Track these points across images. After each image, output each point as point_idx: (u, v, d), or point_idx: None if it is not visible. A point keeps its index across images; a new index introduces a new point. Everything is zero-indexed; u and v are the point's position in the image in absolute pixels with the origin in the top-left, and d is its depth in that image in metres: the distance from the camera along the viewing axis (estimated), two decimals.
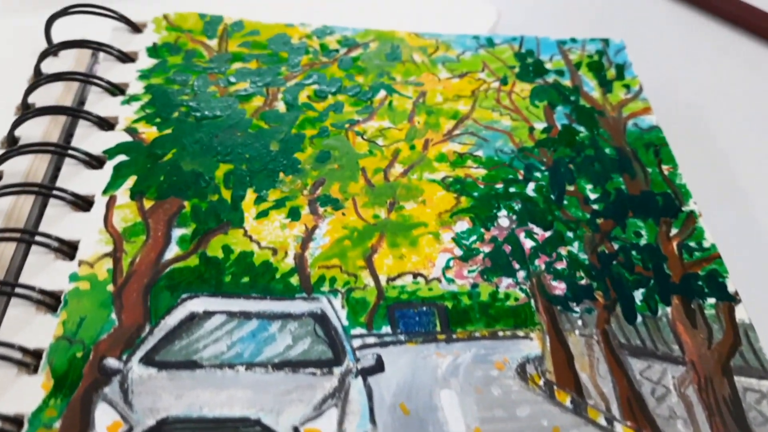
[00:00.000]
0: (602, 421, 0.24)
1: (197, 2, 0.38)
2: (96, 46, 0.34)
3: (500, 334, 0.26)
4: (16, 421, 0.22)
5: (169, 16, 0.36)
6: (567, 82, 0.37)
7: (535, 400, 0.24)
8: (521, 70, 0.37)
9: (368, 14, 0.41)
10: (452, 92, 0.36)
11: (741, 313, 0.27)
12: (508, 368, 0.25)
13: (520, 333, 0.26)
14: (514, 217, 0.30)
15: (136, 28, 0.35)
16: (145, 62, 0.34)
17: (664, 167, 0.33)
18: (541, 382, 0.25)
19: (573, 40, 0.39)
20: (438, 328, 0.26)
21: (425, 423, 0.23)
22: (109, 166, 0.29)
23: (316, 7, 0.41)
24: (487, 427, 0.23)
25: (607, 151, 0.33)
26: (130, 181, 0.29)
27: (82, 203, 0.28)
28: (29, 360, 0.24)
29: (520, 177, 0.32)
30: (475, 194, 0.31)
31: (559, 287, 0.28)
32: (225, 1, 0.38)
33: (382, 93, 0.35)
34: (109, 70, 0.33)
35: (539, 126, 0.34)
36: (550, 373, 0.25)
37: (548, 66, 0.38)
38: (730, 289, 0.28)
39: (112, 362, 0.24)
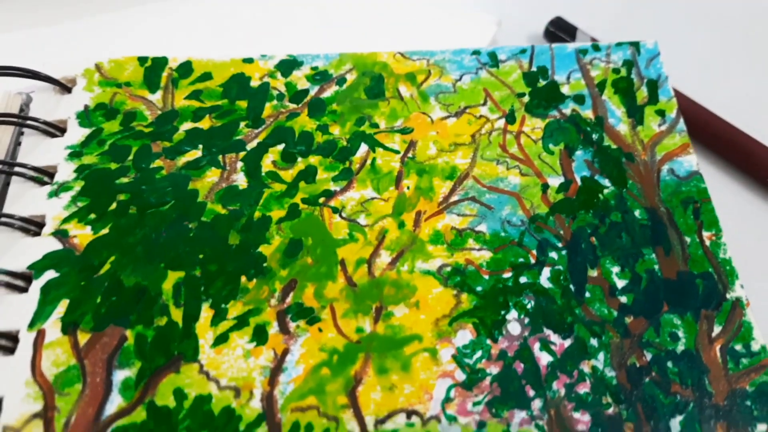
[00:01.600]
0: None
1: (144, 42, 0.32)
2: (20, 122, 0.28)
3: None
4: None
5: (102, 65, 0.30)
6: (588, 112, 0.30)
7: None
8: (532, 98, 0.31)
9: (351, 32, 0.34)
10: (448, 139, 0.29)
11: None
12: None
13: None
14: (527, 320, 0.25)
15: (64, 87, 0.29)
16: (76, 134, 0.28)
17: (705, 234, 0.27)
18: None
19: (595, 47, 0.32)
20: None
21: None
22: (36, 287, 0.24)
23: (291, 31, 0.35)
24: None
25: (637, 214, 0.28)
26: (62, 306, 0.24)
27: (6, 343, 0.23)
28: None
29: (533, 260, 0.26)
30: (479, 289, 0.26)
31: (583, 420, 0.23)
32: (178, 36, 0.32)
33: (364, 148, 0.29)
34: (34, 148, 0.28)
35: (554, 182, 0.28)
36: None
37: (565, 90, 0.31)
38: None
39: None
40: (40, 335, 0.24)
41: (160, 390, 0.23)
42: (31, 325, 0.24)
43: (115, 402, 0.23)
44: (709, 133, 0.34)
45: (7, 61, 0.29)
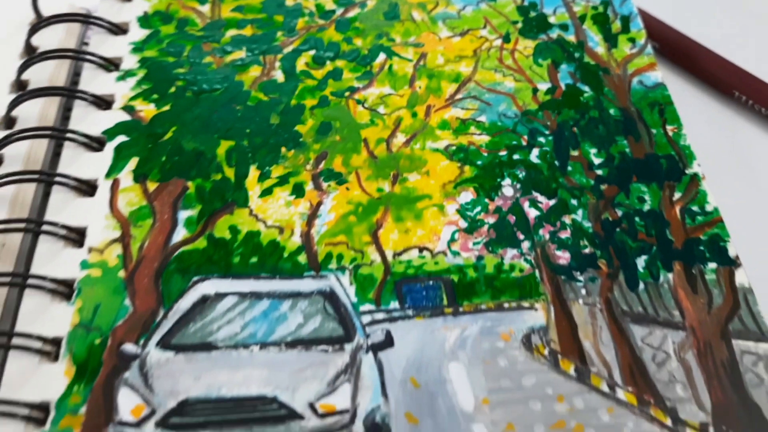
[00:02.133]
0: (605, 388, 0.25)
1: None
2: (86, 19, 0.33)
3: (506, 305, 0.27)
4: (42, 407, 0.23)
5: None
6: (571, 37, 0.36)
7: (540, 369, 0.25)
8: (524, 25, 0.36)
9: None
10: (453, 52, 0.35)
11: (741, 278, 0.28)
12: (514, 339, 0.26)
13: (525, 304, 0.27)
14: (518, 185, 0.30)
15: None
16: (137, 33, 0.33)
17: (669, 128, 0.32)
18: (545, 352, 0.26)
19: None
20: (445, 302, 0.27)
21: (435, 396, 0.24)
22: (110, 147, 0.29)
23: None
24: (494, 398, 0.24)
25: (612, 112, 0.33)
26: (132, 162, 0.29)
27: (86, 188, 0.28)
28: (49, 348, 0.24)
29: (524, 143, 0.32)
30: (479, 163, 0.31)
31: (563, 257, 0.28)
32: None
33: (382, 56, 0.34)
34: (102, 43, 0.33)
35: (543, 87, 0.34)
36: (555, 342, 0.26)
37: (552, 20, 0.37)
38: (731, 253, 0.28)
39: (129, 348, 0.24)
40: (116, 183, 0.28)
41: (217, 226, 0.28)
42: (107, 175, 0.28)
43: (180, 233, 0.27)
44: (680, 51, 0.39)
45: None
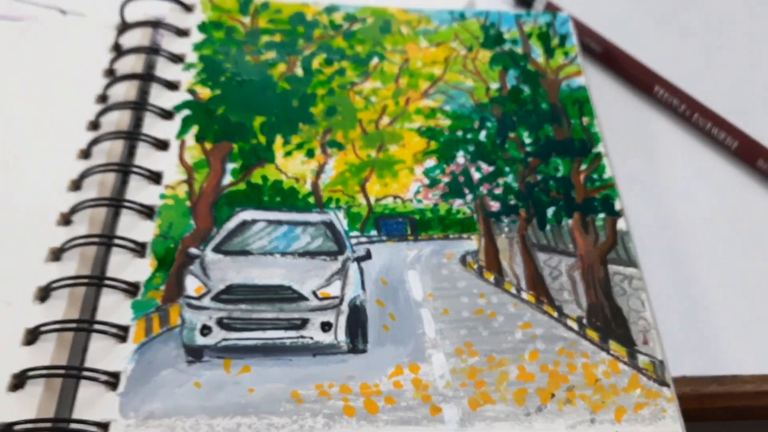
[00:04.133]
0: (513, 291, 0.36)
1: None
2: (160, 25, 0.45)
3: (451, 236, 0.38)
4: (135, 285, 0.35)
5: None
6: (519, 49, 0.48)
7: (470, 277, 0.37)
8: (485, 39, 0.48)
9: None
10: (430, 59, 0.46)
11: (621, 224, 0.39)
12: (454, 258, 0.37)
13: (464, 236, 0.38)
14: (468, 156, 0.42)
15: (188, 8, 0.46)
16: (197, 37, 0.45)
17: (584, 119, 0.44)
18: (475, 267, 0.37)
19: (528, 14, 0.50)
20: (408, 232, 0.38)
21: (397, 290, 0.36)
22: (178, 118, 0.41)
23: None
24: (437, 293, 0.36)
25: (543, 106, 0.44)
26: (194, 129, 0.41)
27: (162, 145, 0.40)
28: (139, 249, 0.36)
29: (476, 126, 0.43)
30: (442, 140, 0.42)
31: (495, 206, 0.40)
32: None
33: (376, 60, 0.46)
34: (171, 43, 0.45)
35: (494, 86, 0.45)
36: (482, 261, 0.37)
37: (506, 36, 0.48)
38: (617, 207, 0.40)
39: (193, 251, 0.36)
40: (183, 143, 0.40)
41: (253, 175, 0.39)
42: (177, 136, 0.40)
43: (227, 179, 0.39)
44: (611, 56, 0.51)
45: None
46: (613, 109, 0.49)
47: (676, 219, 0.43)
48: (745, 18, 0.56)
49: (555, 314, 0.36)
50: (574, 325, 0.35)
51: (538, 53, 0.47)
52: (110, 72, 0.44)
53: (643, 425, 0.31)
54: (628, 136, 0.47)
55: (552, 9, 0.53)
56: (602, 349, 0.34)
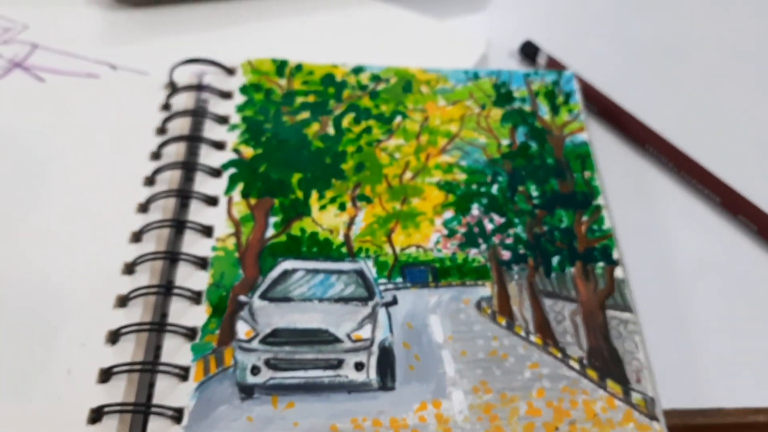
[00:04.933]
0: (523, 334, 0.41)
1: (263, 46, 0.54)
2: (206, 88, 0.50)
3: (467, 283, 0.44)
4: (193, 330, 0.40)
5: (252, 62, 0.52)
6: (528, 107, 0.53)
7: (485, 321, 0.42)
8: (496, 98, 0.53)
9: (385, 51, 0.57)
10: (447, 117, 0.52)
11: (618, 272, 0.44)
12: (470, 304, 0.43)
13: (479, 283, 0.44)
14: (482, 209, 0.47)
15: (230, 71, 0.52)
16: (239, 99, 0.50)
17: (586, 173, 0.49)
18: (489, 312, 0.42)
19: (536, 73, 0.55)
20: (430, 279, 0.44)
21: (421, 333, 0.41)
22: (225, 176, 0.46)
23: (345, 47, 0.57)
24: (455, 336, 0.41)
25: (549, 161, 0.50)
26: (240, 186, 0.46)
27: (212, 201, 0.45)
28: (195, 297, 0.41)
29: (489, 180, 0.48)
30: (458, 193, 0.47)
31: (506, 255, 0.45)
32: (287, 46, 0.54)
33: (399, 118, 0.51)
34: (216, 105, 0.50)
35: (505, 142, 0.50)
36: (495, 306, 0.43)
37: (516, 95, 0.53)
38: (615, 256, 0.45)
39: (243, 298, 0.42)
40: (230, 199, 0.45)
41: (293, 228, 0.45)
42: (225, 193, 0.46)
43: (270, 232, 0.44)
44: (610, 112, 0.56)
45: (191, 54, 0.51)
46: (613, 162, 0.54)
47: (669, 266, 0.48)
48: (739, 73, 0.61)
49: (559, 355, 0.41)
50: (576, 365, 0.40)
51: (544, 111, 0.53)
52: (162, 130, 0.49)
53: None
54: (627, 188, 0.52)
55: (553, 64, 0.58)
56: (600, 386, 0.39)
